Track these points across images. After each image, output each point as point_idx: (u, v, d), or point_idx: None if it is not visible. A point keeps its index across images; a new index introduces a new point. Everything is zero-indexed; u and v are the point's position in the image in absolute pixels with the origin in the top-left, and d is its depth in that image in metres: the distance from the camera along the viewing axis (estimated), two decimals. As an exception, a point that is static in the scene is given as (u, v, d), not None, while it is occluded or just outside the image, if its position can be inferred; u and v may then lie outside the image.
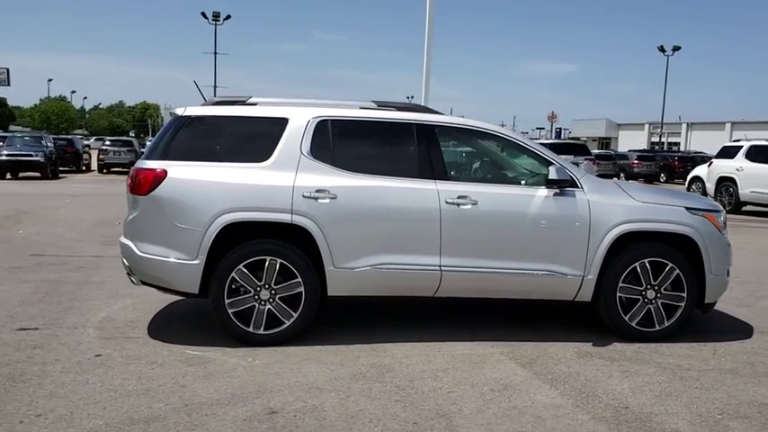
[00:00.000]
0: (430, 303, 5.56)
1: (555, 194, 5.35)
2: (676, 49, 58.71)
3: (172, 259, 5.04)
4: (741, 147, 17.33)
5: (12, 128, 60.61)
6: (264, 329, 5.13)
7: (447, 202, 5.21)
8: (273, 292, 5.12)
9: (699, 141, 69.95)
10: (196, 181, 5.07)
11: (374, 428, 3.75)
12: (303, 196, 5.07)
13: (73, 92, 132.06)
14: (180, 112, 5.32)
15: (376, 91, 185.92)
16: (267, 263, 5.09)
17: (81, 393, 4.17)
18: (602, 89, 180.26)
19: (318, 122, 5.28)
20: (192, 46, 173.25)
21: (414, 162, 5.35)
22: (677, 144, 74.62)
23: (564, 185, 5.34)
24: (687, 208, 5.55)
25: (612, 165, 34.02)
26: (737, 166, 16.84)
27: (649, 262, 5.43)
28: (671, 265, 5.44)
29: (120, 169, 29.67)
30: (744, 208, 17.09)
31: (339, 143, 5.34)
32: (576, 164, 12.56)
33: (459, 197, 5.23)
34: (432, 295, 5.35)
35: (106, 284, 7.14)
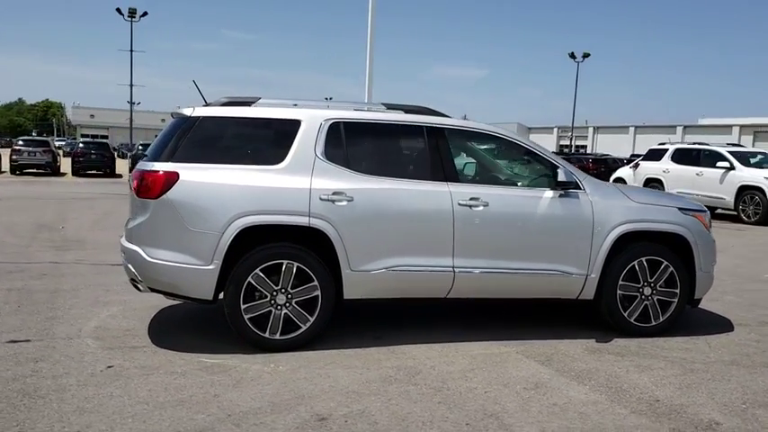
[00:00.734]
0: (430, 304, 5.61)
1: (560, 196, 5.51)
2: (586, 55, 61.05)
3: (185, 265, 4.87)
4: (667, 149, 18.25)
5: None
6: (281, 335, 5.03)
7: (459, 204, 5.27)
8: (290, 296, 5.03)
9: (604, 144, 73.11)
10: (210, 184, 4.92)
11: (430, 431, 3.75)
12: (320, 199, 5.01)
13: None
14: (188, 112, 5.15)
15: (287, 90, 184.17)
16: (284, 267, 4.99)
17: (111, 407, 3.97)
18: (513, 94, 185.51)
19: (331, 124, 5.23)
20: (99, 43, 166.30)
21: (425, 164, 5.39)
22: (584, 147, 77.67)
23: (569, 187, 5.51)
24: (679, 208, 5.83)
25: None
26: (664, 168, 17.73)
27: (646, 260, 5.67)
28: (666, 263, 5.70)
29: (35, 171, 28.25)
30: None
31: (352, 145, 5.30)
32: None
33: (471, 199, 5.30)
34: (444, 296, 5.40)
35: (80, 292, 6.81)
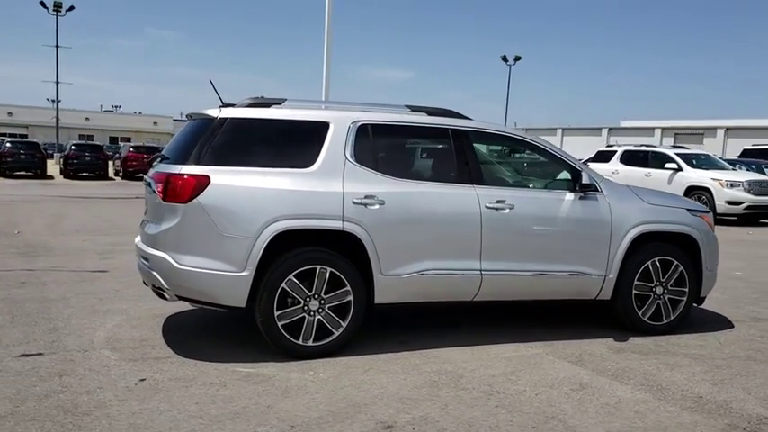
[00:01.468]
0: (443, 308, 5.61)
1: (580, 198, 5.60)
2: (518, 59, 62.35)
3: (217, 271, 4.71)
4: (615, 151, 18.86)
5: None
6: (314, 341, 4.93)
7: (487, 207, 5.29)
8: (323, 301, 4.93)
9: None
10: (242, 187, 4.77)
11: (501, 435, 3.75)
12: (353, 203, 4.93)
13: None
14: (214, 114, 4.97)
15: (209, 90, 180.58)
16: (317, 272, 4.89)
17: (166, 422, 3.78)
18: (438, 96, 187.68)
19: (360, 126, 5.15)
20: (16, 37, 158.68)
21: (452, 167, 5.38)
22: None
23: (590, 189, 5.61)
24: (688, 209, 6.03)
25: None
26: (613, 170, 18.29)
27: (659, 260, 5.82)
28: (676, 262, 5.87)
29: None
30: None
31: (380, 148, 5.25)
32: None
33: (497, 201, 5.32)
34: (470, 299, 5.40)
35: (71, 301, 6.49)
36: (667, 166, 16.83)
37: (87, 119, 79.70)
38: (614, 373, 4.81)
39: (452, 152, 5.39)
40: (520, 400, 4.25)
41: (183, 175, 4.74)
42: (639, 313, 5.81)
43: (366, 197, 4.96)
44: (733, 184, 15.91)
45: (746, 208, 15.86)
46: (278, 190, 4.81)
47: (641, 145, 19.27)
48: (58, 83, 46.87)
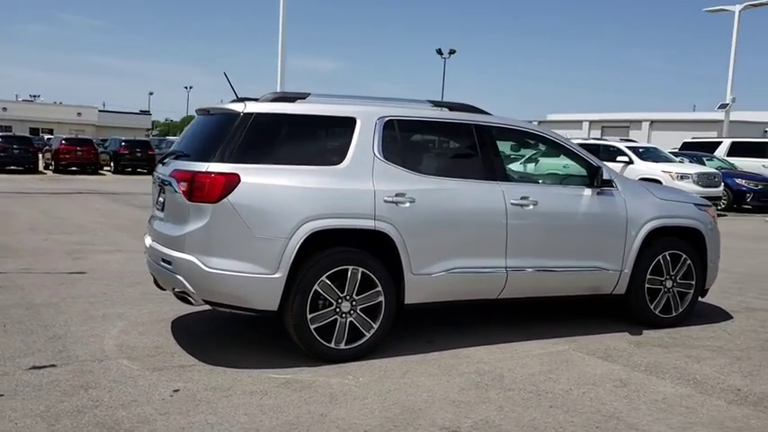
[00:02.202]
0: (460, 306, 5.55)
1: (598, 194, 5.62)
2: (452, 52, 62.86)
3: (249, 274, 4.49)
4: None
5: None
6: (346, 344, 4.77)
7: (512, 203, 5.24)
8: (354, 303, 4.77)
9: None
10: (274, 186, 4.56)
11: (568, 437, 3.70)
12: (384, 201, 4.79)
13: None
14: (239, 108, 4.72)
15: (134, 80, 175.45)
16: (349, 272, 4.73)
17: (222, 436, 3.58)
18: (368, 87, 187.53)
19: (386, 122, 5.01)
20: None
21: (477, 163, 5.30)
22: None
23: (608, 185, 5.63)
24: (695, 204, 6.15)
25: None
26: (564, 164, 18.62)
27: (669, 254, 5.92)
28: (684, 256, 5.98)
29: None
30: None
31: (406, 144, 5.13)
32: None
33: (521, 198, 5.28)
34: (495, 297, 5.35)
35: (61, 306, 6.11)
36: (619, 158, 17.25)
37: (5, 108, 75.76)
38: (647, 368, 4.85)
39: (477, 148, 5.31)
40: (570, 400, 4.22)
41: (211, 173, 4.49)
42: (651, 306, 5.89)
43: (397, 195, 4.82)
44: (683, 176, 16.45)
45: (695, 199, 16.40)
46: (310, 188, 4.63)
47: (594, 138, 19.68)
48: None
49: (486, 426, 3.80)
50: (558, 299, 5.69)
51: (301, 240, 4.53)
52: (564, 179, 5.88)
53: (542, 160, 6.30)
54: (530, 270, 5.34)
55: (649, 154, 18.16)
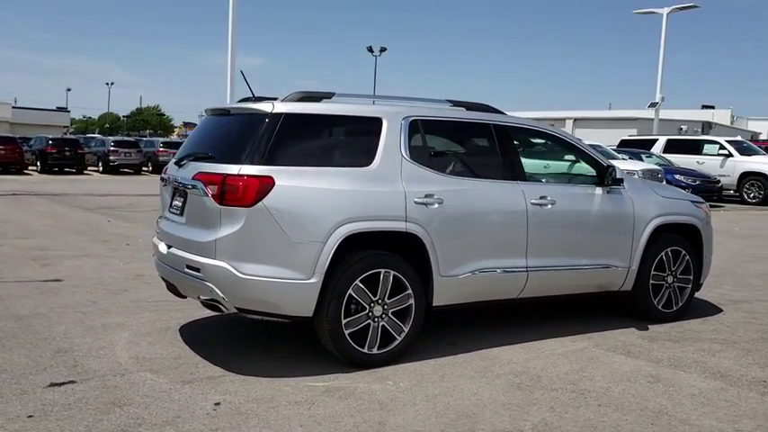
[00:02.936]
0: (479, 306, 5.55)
1: (608, 192, 5.71)
2: (383, 50, 62.99)
3: (285, 280, 4.34)
4: None
5: None
6: (378, 348, 4.68)
7: (532, 203, 5.26)
8: (386, 307, 4.69)
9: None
10: (309, 188, 4.42)
11: (629, 435, 3.73)
12: (415, 202, 4.71)
13: None
14: (267, 108, 4.55)
15: (49, 76, 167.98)
16: (381, 276, 4.64)
17: (287, 451, 3.44)
18: (291, 84, 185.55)
19: (411, 122, 4.94)
20: None
21: (498, 163, 5.30)
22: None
23: (618, 183, 5.73)
24: (691, 201, 6.33)
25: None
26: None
27: (670, 250, 6.07)
28: (683, 252, 6.15)
29: None
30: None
31: (431, 144, 5.07)
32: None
33: (540, 197, 5.31)
34: (515, 297, 5.36)
35: (51, 317, 5.77)
36: (566, 156, 17.62)
37: None
38: (670, 363, 4.95)
39: (497, 148, 5.30)
40: (614, 398, 4.26)
41: (244, 176, 4.31)
42: (655, 302, 6.03)
43: (426, 196, 4.76)
44: (629, 173, 16.94)
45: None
46: (343, 191, 4.51)
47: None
48: None
49: (547, 428, 3.79)
50: (570, 297, 5.75)
51: (337, 244, 4.41)
52: (573, 178, 5.95)
53: (549, 159, 6.34)
54: (548, 269, 5.38)
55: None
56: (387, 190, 4.65)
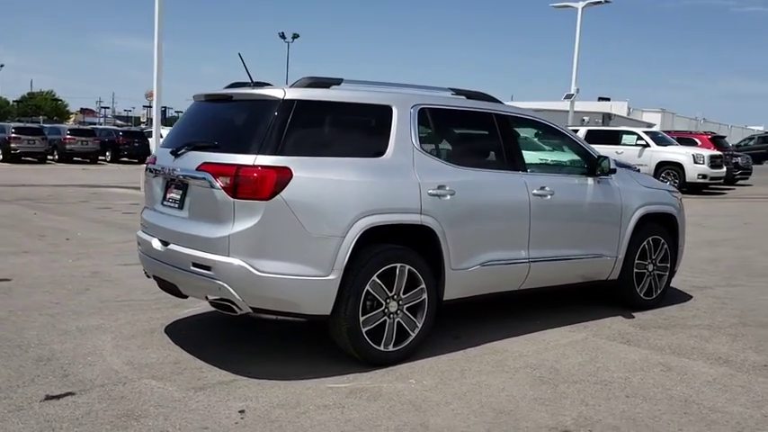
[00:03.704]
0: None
1: (598, 182, 5.74)
2: (295, 36, 62.09)
3: (304, 277, 4.10)
4: None
5: None
6: (393, 345, 4.51)
7: (533, 194, 5.21)
8: (401, 302, 4.53)
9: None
10: (326, 180, 4.19)
11: (670, 427, 3.73)
12: (429, 194, 4.57)
13: None
14: (278, 94, 4.27)
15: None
16: (397, 270, 4.47)
17: (339, 460, 3.24)
18: (191, 70, 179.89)
19: (419, 111, 4.77)
20: None
21: (502, 153, 5.22)
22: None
23: (610, 174, 5.77)
24: (668, 191, 6.48)
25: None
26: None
27: (651, 239, 6.19)
28: (663, 240, 6.29)
29: None
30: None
31: (439, 134, 4.94)
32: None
33: (540, 188, 5.27)
34: (516, 289, 5.31)
35: (15, 321, 5.30)
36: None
37: None
38: (672, 351, 5.03)
39: (500, 138, 5.22)
40: (637, 387, 4.27)
41: (259, 167, 4.02)
42: (638, 290, 6.14)
43: (439, 187, 4.62)
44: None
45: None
46: (361, 182, 4.30)
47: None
48: None
49: (588, 421, 3.74)
50: (564, 288, 5.76)
51: (356, 238, 4.21)
52: (565, 169, 5.95)
53: (542, 149, 6.34)
54: (547, 260, 5.36)
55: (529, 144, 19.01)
56: (402, 181, 4.48)
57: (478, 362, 4.66)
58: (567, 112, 29.25)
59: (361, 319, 4.32)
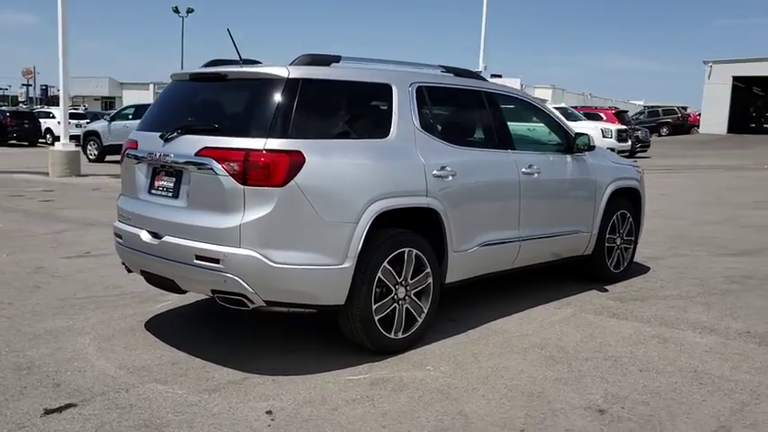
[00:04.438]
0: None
1: (575, 160, 5.80)
2: (190, 11, 59.80)
3: (319, 266, 3.90)
4: None
5: None
6: (402, 332, 4.40)
7: (523, 173, 5.20)
8: (408, 288, 4.40)
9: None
10: (338, 163, 3.99)
11: (695, 398, 3.82)
12: (433, 175, 4.45)
13: None
14: (282, 73, 3.99)
15: None
16: (406, 255, 4.34)
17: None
18: (74, 46, 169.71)
19: (417, 89, 4.62)
20: None
21: (492, 132, 5.17)
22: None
23: (589, 151, 5.84)
24: (632, 166, 6.65)
25: None
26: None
27: (620, 214, 6.34)
28: (629, 214, 6.46)
29: None
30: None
31: (436, 113, 4.80)
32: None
33: (529, 167, 5.26)
34: (508, 269, 5.30)
35: (-31, 326, 4.78)
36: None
37: None
38: (659, 322, 5.16)
39: (489, 116, 5.16)
40: (644, 360, 4.35)
41: (271, 151, 3.76)
42: (608, 264, 6.28)
43: (441, 168, 4.51)
44: None
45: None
46: (370, 165, 4.13)
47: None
48: None
49: (617, 398, 3.77)
50: (547, 264, 5.80)
51: (369, 223, 4.03)
52: (545, 146, 5.97)
53: (521, 126, 6.33)
54: (535, 238, 5.37)
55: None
56: (409, 163, 4.34)
57: (484, 344, 4.61)
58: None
59: (374, 306, 4.17)
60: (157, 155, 4.18)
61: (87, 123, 27.06)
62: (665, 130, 41.49)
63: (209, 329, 4.88)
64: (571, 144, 5.77)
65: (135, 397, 3.66)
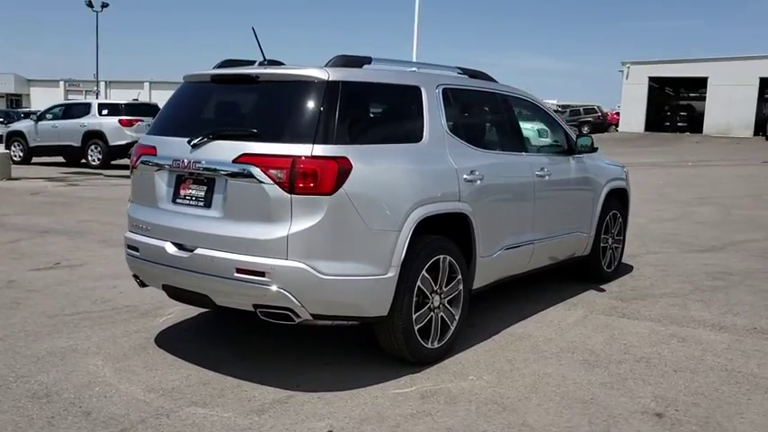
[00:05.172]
0: None
1: (576, 161, 5.84)
2: (105, 5, 57.58)
3: (366, 276, 3.75)
4: None
5: None
6: (437, 342, 4.29)
7: (536, 175, 5.18)
8: (442, 295, 4.30)
9: (118, 97, 71.67)
10: (381, 169, 3.87)
11: (740, 398, 3.88)
12: (465, 180, 4.37)
13: None
14: (321, 75, 3.80)
15: None
16: (440, 262, 4.23)
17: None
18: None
19: (443, 91, 4.52)
20: None
21: (509, 135, 5.13)
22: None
23: (591, 152, 5.89)
24: (620, 166, 6.76)
25: None
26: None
27: (612, 214, 6.44)
28: (619, 214, 6.57)
29: None
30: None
31: (460, 115, 4.73)
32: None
33: (541, 169, 5.25)
34: (522, 272, 5.28)
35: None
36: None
37: None
38: (671, 321, 5.24)
39: (506, 119, 5.12)
40: (674, 361, 4.40)
41: (318, 157, 3.58)
42: (603, 263, 6.37)
43: (471, 172, 4.43)
44: None
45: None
46: (410, 170, 4.02)
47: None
48: None
49: (667, 401, 3.79)
50: (554, 266, 5.81)
51: (411, 231, 3.91)
52: (549, 148, 5.98)
53: (529, 129, 6.31)
54: (546, 240, 5.37)
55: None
56: (442, 168, 4.24)
57: (514, 349, 4.57)
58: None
59: (414, 316, 4.04)
60: (185, 162, 3.91)
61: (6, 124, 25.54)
62: (586, 128, 42.80)
63: (225, 344, 4.63)
64: (572, 145, 5.80)
65: (179, 423, 3.41)
